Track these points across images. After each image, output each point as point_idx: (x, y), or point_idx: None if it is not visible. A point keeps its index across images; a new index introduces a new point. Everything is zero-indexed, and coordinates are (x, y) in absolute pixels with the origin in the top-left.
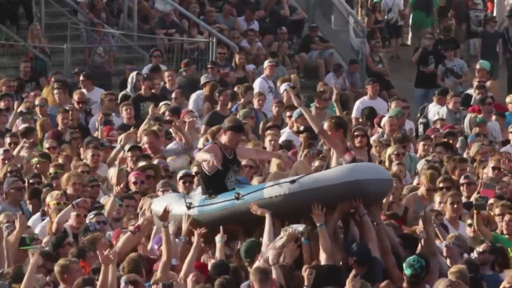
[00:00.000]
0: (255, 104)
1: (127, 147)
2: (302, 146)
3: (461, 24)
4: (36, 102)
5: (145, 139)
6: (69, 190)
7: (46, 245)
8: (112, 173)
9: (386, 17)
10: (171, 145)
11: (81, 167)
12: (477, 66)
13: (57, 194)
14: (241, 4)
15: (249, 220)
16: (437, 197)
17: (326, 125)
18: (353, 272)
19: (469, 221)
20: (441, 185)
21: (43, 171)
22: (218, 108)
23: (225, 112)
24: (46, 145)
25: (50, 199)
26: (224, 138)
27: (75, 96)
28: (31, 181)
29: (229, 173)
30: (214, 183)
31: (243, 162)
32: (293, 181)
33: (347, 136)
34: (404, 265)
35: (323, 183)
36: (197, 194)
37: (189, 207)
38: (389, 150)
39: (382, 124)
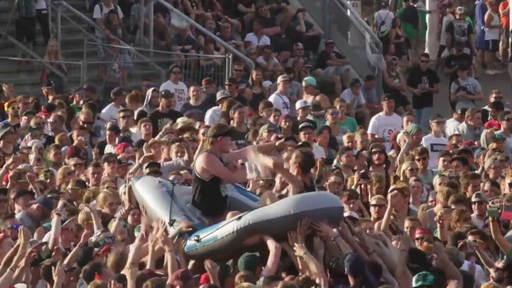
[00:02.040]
0: (271, 120)
1: (145, 164)
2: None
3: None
4: (51, 119)
5: (165, 150)
6: (106, 210)
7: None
8: (122, 190)
9: (379, 30)
10: (168, 162)
11: (108, 183)
12: None
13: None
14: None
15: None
16: (454, 215)
17: (291, 161)
18: None
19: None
20: (452, 206)
21: (76, 198)
22: (234, 124)
23: (241, 128)
24: (71, 162)
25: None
26: (216, 146)
27: (81, 116)
28: (49, 195)
29: (222, 180)
30: (209, 189)
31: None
32: (239, 218)
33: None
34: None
35: (267, 217)
36: (179, 211)
37: (171, 224)
38: (403, 166)
39: (397, 139)
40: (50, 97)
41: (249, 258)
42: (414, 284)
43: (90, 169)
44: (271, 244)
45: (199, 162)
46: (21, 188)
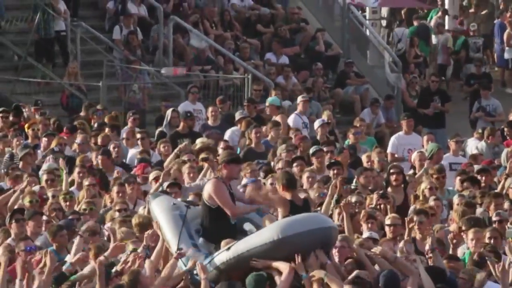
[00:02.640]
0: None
1: (165, 184)
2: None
3: (460, 51)
4: (78, 140)
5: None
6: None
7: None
8: (141, 211)
9: (396, 47)
10: (195, 183)
11: (118, 205)
12: None
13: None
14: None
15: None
16: (470, 234)
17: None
18: None
19: None
20: (463, 227)
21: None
22: (252, 145)
23: (260, 148)
24: (85, 182)
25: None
26: (224, 172)
27: (99, 140)
28: (70, 217)
29: None
30: (218, 215)
31: None
32: (228, 249)
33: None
34: None
35: (252, 245)
36: (188, 239)
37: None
38: (423, 185)
39: (412, 159)
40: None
41: (258, 278)
42: None
43: (115, 188)
44: (281, 264)
45: (207, 188)
46: (33, 210)
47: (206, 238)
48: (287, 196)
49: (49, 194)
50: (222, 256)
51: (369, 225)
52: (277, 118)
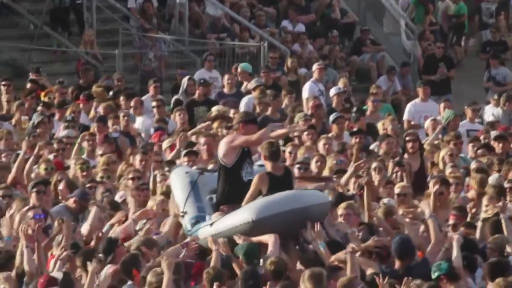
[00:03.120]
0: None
1: (183, 152)
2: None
3: (474, 16)
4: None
5: (202, 140)
6: None
7: None
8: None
9: (410, 15)
10: None
11: (132, 173)
12: None
13: None
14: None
15: None
16: (484, 201)
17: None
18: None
19: None
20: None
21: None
22: (269, 112)
23: (275, 116)
24: (99, 152)
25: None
26: (241, 132)
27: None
28: (88, 185)
29: (244, 164)
30: (232, 175)
31: None
32: (211, 224)
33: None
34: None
35: (229, 226)
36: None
37: (182, 216)
38: (442, 152)
39: (425, 126)
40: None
41: (250, 248)
42: (432, 276)
43: (138, 157)
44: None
45: (221, 145)
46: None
47: (220, 199)
48: (268, 166)
49: (70, 162)
50: (204, 230)
51: (389, 190)
52: (249, 85)
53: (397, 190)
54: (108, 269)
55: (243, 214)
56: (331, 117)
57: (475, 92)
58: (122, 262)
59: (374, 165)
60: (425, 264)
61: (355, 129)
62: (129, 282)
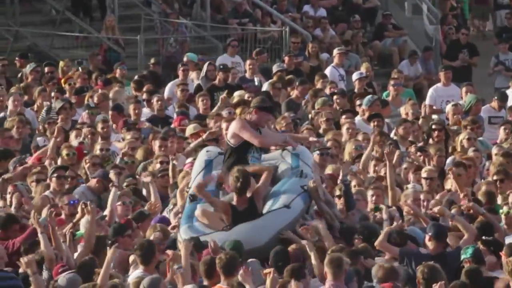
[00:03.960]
0: (327, 92)
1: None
2: (374, 133)
3: None
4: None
5: (224, 125)
6: None
7: None
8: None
9: None
10: None
11: (160, 158)
12: None
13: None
14: None
15: None
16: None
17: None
18: None
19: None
20: (494, 177)
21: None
22: (293, 96)
23: (300, 101)
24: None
25: None
26: (254, 117)
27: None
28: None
29: (251, 148)
30: (237, 156)
31: None
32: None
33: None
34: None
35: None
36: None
37: (191, 200)
38: (461, 136)
39: (446, 111)
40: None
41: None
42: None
43: (157, 142)
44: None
45: (231, 127)
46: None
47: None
48: (234, 198)
49: (98, 147)
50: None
51: (417, 176)
52: (193, 75)
53: (424, 174)
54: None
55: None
56: (367, 100)
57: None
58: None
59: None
60: (458, 252)
61: (373, 113)
62: (140, 269)
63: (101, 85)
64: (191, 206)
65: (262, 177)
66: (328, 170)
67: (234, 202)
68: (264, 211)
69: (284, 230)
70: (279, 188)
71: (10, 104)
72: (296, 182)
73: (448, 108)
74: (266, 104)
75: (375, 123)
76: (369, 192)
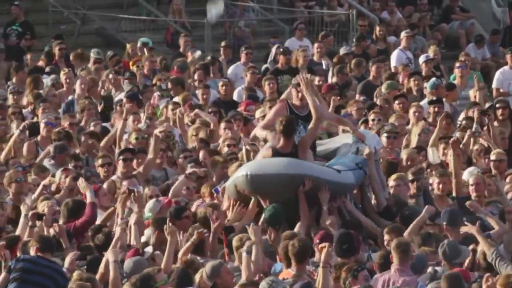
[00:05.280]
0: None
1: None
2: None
3: None
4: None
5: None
6: None
7: None
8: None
9: None
10: None
11: (228, 140)
12: None
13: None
14: None
15: None
16: None
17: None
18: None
19: None
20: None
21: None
22: (370, 77)
23: (376, 82)
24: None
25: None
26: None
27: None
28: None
29: (299, 125)
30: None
31: None
32: None
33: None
34: None
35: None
36: None
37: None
38: None
39: None
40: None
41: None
42: None
43: (222, 125)
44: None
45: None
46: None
47: None
48: (280, 143)
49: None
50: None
51: (486, 160)
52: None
53: (492, 156)
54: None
55: (242, 169)
56: (429, 84)
57: None
58: None
59: (457, 134)
60: None
61: (433, 98)
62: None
63: (177, 71)
64: None
65: (309, 125)
66: (403, 155)
67: (278, 146)
68: None
69: (319, 182)
70: (334, 162)
71: (77, 87)
72: (351, 159)
73: None
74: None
75: (435, 109)
76: (435, 180)
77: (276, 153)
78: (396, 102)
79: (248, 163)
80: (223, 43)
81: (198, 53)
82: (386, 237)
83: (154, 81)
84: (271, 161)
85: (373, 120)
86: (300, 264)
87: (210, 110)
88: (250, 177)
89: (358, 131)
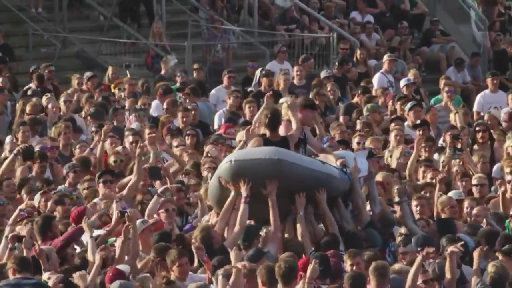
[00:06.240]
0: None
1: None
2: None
3: None
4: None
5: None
6: None
7: None
8: None
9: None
10: None
11: (208, 163)
12: None
13: None
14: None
15: None
16: None
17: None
18: None
19: None
20: None
21: None
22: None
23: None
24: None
25: None
26: (299, 116)
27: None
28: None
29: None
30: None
31: None
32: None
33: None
34: None
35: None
36: None
37: None
38: (507, 143)
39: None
40: None
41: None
42: None
43: (206, 148)
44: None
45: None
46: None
47: None
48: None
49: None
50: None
51: (464, 183)
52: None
53: (474, 181)
54: None
55: (226, 158)
56: (408, 106)
57: None
58: None
59: (441, 158)
60: None
61: (418, 122)
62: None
63: (160, 95)
64: None
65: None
66: (379, 177)
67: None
68: None
69: (301, 170)
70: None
71: (49, 111)
72: (338, 168)
73: (503, 112)
74: (310, 102)
75: (421, 131)
76: (413, 203)
77: (267, 142)
78: (393, 124)
79: (233, 153)
80: (195, 66)
81: (175, 61)
82: (348, 262)
83: (139, 104)
84: (256, 149)
85: (358, 143)
86: (287, 285)
87: (188, 132)
88: (234, 162)
89: (341, 160)
